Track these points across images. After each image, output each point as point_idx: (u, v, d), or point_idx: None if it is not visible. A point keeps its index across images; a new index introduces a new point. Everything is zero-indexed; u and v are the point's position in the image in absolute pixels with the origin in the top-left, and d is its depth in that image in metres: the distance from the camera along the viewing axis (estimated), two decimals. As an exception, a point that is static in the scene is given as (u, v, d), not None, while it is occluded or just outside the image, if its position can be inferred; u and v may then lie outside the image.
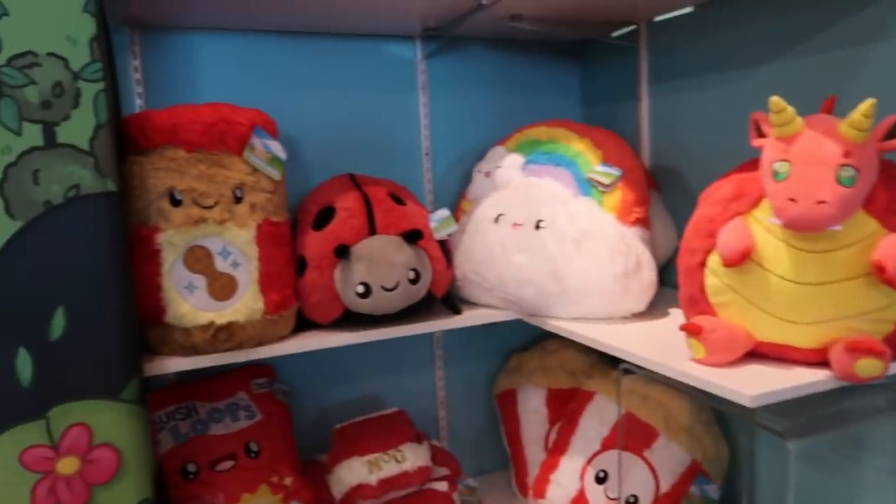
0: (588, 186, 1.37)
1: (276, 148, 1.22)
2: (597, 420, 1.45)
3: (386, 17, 1.49)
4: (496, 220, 1.42)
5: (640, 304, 1.32)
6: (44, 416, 0.98)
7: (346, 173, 1.50)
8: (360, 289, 1.26)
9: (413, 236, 1.31)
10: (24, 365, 0.97)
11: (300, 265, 1.31)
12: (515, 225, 1.39)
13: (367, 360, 1.70)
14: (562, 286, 1.32)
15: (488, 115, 1.79)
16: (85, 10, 0.97)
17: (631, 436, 1.39)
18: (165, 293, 1.15)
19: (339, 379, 1.68)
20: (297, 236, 1.35)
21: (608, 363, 1.65)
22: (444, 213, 1.40)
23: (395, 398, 1.74)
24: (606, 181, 1.35)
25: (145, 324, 1.18)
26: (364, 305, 1.28)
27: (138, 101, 1.43)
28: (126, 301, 1.05)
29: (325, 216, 1.34)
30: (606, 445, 1.41)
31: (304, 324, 1.33)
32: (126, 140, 1.16)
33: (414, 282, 1.30)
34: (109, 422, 1.02)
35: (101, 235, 1.00)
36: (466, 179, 1.69)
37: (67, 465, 1.00)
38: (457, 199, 1.67)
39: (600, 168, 1.38)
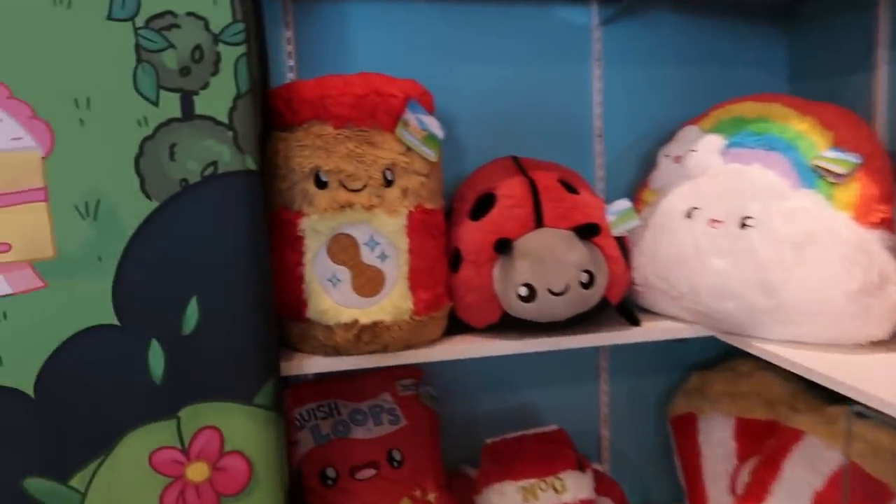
0: (813, 176, 1.08)
1: (433, 124, 1.06)
2: (807, 467, 1.17)
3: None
4: (689, 214, 1.17)
5: (882, 330, 1.03)
6: (174, 416, 0.89)
7: (508, 156, 1.31)
8: (523, 291, 1.07)
9: (587, 231, 1.10)
10: (157, 359, 0.88)
11: (454, 260, 1.14)
12: (714, 222, 1.14)
13: (523, 366, 1.51)
14: (774, 301, 1.05)
15: (674, 90, 1.52)
16: (228, -37, 0.85)
17: (856, 494, 1.09)
18: (307, 285, 1.03)
19: (491, 385, 1.51)
20: (452, 226, 1.18)
21: (818, 395, 1.34)
22: (623, 204, 1.17)
23: (552, 411, 1.54)
24: (840, 170, 1.06)
25: (285, 318, 1.07)
26: (526, 310, 1.09)
27: (290, 75, 1.33)
28: (265, 293, 0.93)
29: (484, 204, 1.16)
30: (820, 502, 1.13)
31: (455, 325, 1.17)
32: (272, 115, 1.05)
33: (586, 285, 1.09)
34: (242, 428, 0.91)
35: (239, 219, 0.89)
36: (646, 165, 1.44)
37: (197, 472, 0.91)
38: (634, 188, 1.43)
39: (831, 153, 1.09)
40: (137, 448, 0.88)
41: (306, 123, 1.02)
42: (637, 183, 1.45)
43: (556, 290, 1.07)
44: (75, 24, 0.83)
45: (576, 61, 1.47)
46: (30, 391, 0.85)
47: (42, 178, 0.84)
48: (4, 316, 0.84)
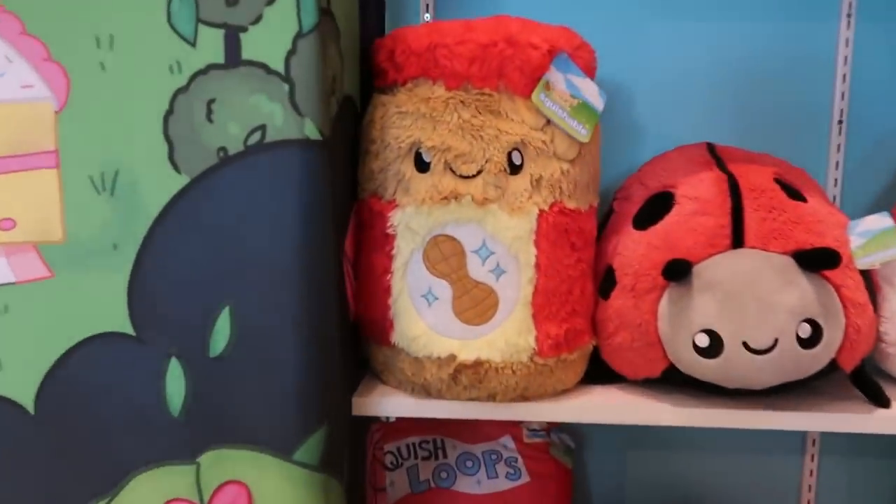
0: None
1: (589, 90, 0.74)
2: None
3: None
4: None
5: None
6: (193, 461, 0.67)
7: (700, 142, 0.94)
8: (703, 340, 0.72)
9: (817, 260, 0.72)
10: (176, 384, 0.66)
11: (606, 282, 0.82)
12: None
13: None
14: None
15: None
16: None
17: None
18: (395, 300, 0.76)
19: (646, 441, 1.15)
20: (607, 235, 0.85)
21: None
22: (880, 221, 0.77)
23: (729, 489, 1.14)
24: None
25: (367, 340, 0.82)
26: (706, 369, 0.73)
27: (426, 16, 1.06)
28: (324, 311, 0.68)
29: (657, 207, 0.82)
30: None
31: (597, 367, 0.84)
32: (374, 73, 0.79)
33: (808, 342, 0.71)
34: (275, 489, 0.67)
35: (293, 205, 0.64)
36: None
37: (220, 538, 0.69)
38: (889, 199, 1.00)
39: None
40: (148, 495, 0.68)
41: (411, 82, 0.74)
42: (888, 203, 1.01)
43: (757, 345, 0.70)
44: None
45: (811, 16, 1.05)
46: (30, 406, 0.68)
47: (54, 139, 0.65)
48: (6, 309, 0.67)
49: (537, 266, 0.73)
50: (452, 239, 0.72)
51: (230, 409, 0.66)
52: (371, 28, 0.85)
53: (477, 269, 0.72)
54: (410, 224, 0.74)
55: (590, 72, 0.78)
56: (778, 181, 0.80)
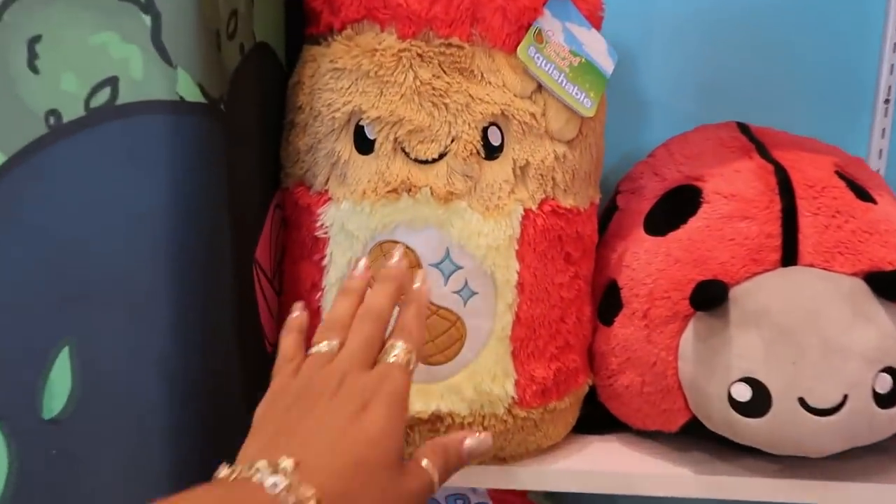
0: None
1: (596, 46, 0.54)
2: None
3: None
4: None
5: None
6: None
7: (730, 122, 0.75)
8: (743, 392, 0.53)
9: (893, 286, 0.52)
10: (-5, 460, 0.45)
11: (607, 301, 0.62)
12: None
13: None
14: None
15: None
16: None
17: None
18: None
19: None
20: (609, 239, 0.66)
21: None
22: (974, 232, 0.57)
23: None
24: None
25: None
26: (746, 429, 0.54)
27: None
28: (214, 344, 0.48)
29: (677, 206, 0.62)
30: None
31: (593, 407, 0.65)
32: (305, 14, 0.57)
33: (889, 400, 0.52)
34: None
35: (157, 198, 0.43)
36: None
37: None
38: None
39: None
40: None
41: (351, 28, 0.53)
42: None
43: (818, 403, 0.51)
44: None
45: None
46: None
47: None
48: None
49: (520, 286, 0.52)
50: (406, 247, 0.52)
51: (72, 492, 0.46)
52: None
53: (437, 290, 0.52)
54: (347, 225, 0.53)
55: (596, 20, 0.58)
56: (840, 175, 0.60)
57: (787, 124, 0.85)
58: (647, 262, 0.60)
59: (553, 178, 0.52)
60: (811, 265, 0.55)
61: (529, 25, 0.52)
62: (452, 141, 0.50)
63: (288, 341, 0.44)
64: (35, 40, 0.42)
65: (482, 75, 0.51)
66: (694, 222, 0.60)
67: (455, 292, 0.52)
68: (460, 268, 0.51)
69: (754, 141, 0.65)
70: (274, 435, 0.37)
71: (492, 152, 0.51)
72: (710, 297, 0.54)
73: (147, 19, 0.41)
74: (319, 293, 0.55)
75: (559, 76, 0.51)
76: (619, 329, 0.61)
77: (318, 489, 0.33)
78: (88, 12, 0.42)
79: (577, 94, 0.52)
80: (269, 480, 0.32)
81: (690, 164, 0.65)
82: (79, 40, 0.42)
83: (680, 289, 0.57)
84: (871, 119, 0.88)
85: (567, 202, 0.54)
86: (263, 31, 0.55)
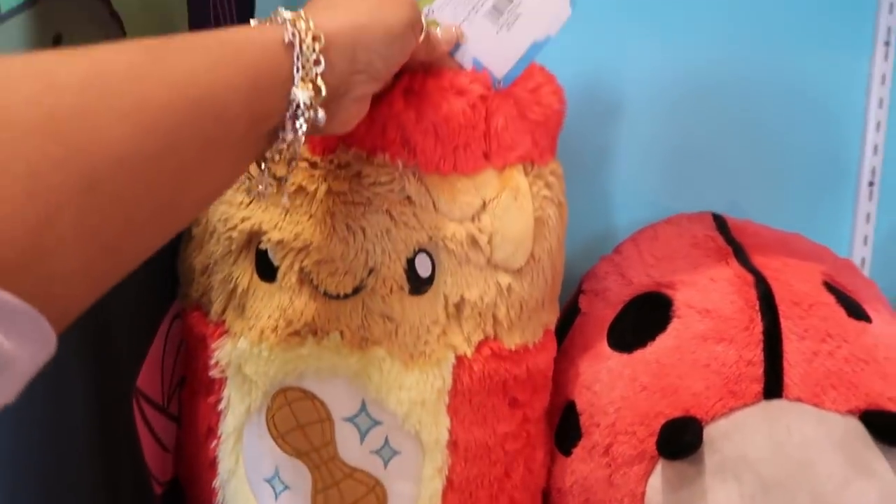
0: None
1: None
2: None
3: None
4: None
5: None
6: None
7: (705, 212, 0.68)
8: (722, 563, 0.44)
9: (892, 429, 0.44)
10: None
11: (565, 425, 0.54)
12: None
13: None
14: None
15: None
16: None
17: None
18: (224, 482, 0.46)
19: None
20: (568, 348, 0.58)
21: None
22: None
23: None
24: None
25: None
26: None
27: None
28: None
29: (645, 316, 0.54)
30: None
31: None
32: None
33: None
34: None
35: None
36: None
37: None
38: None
39: None
40: None
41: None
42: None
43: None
44: None
45: (843, 43, 0.79)
46: None
47: None
48: None
49: (452, 446, 0.43)
50: (312, 397, 0.43)
51: None
52: (222, 14, 0.56)
53: (352, 448, 0.43)
54: (245, 368, 0.43)
55: (552, 126, 0.50)
56: (830, 287, 0.53)
57: (768, 209, 0.79)
58: (609, 386, 0.52)
59: (495, 316, 0.43)
60: (799, 400, 0.47)
61: (466, 145, 0.44)
62: (370, 273, 0.41)
63: None
64: None
65: (403, 189, 0.43)
66: (663, 340, 0.52)
67: (374, 452, 0.43)
68: (379, 423, 0.42)
69: (732, 242, 0.58)
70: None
71: (419, 286, 0.42)
72: (682, 444, 0.46)
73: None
74: (215, 441, 0.46)
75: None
76: (577, 463, 0.52)
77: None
78: None
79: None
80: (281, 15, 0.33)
81: (660, 268, 0.58)
82: None
83: (646, 423, 0.49)
84: (855, 203, 0.82)
85: (512, 342, 0.45)
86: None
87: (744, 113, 0.80)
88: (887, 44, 0.80)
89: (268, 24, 0.33)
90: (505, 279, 0.43)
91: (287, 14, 0.33)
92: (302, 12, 0.34)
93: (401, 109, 0.41)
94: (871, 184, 0.82)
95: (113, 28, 0.39)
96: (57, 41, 0.35)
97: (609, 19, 0.77)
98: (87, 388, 0.40)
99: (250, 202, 0.43)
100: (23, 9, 0.32)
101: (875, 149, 0.82)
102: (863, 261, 0.83)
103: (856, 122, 0.81)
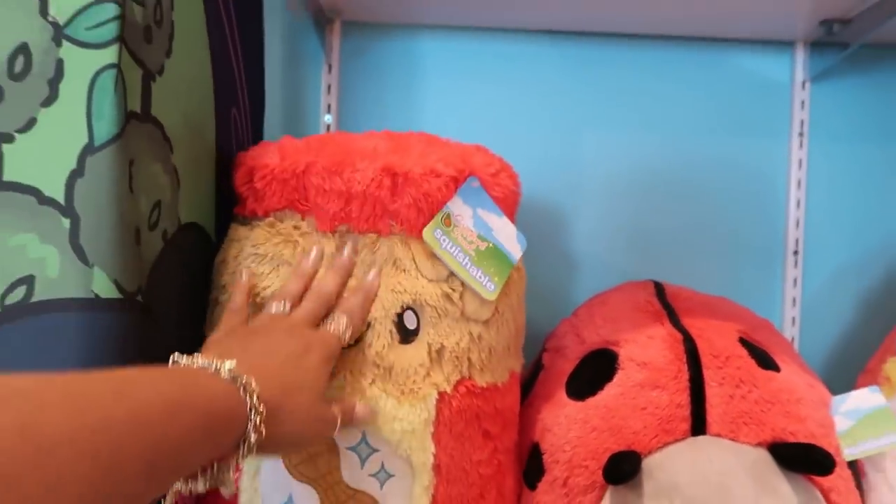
0: None
1: (505, 231, 0.57)
2: None
3: (751, 7, 0.79)
4: None
5: None
6: None
7: (646, 280, 0.79)
8: (658, 570, 0.53)
9: (804, 461, 0.54)
10: None
11: (532, 465, 0.63)
12: None
13: None
14: None
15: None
16: None
17: None
18: (244, 509, 0.54)
19: None
20: (533, 399, 0.67)
21: None
22: (870, 398, 0.61)
23: None
24: None
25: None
26: None
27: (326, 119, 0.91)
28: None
29: (596, 370, 0.64)
30: None
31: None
32: (234, 198, 0.60)
33: (796, 578, 0.52)
34: None
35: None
36: (871, 314, 0.89)
37: None
38: (858, 351, 0.86)
39: None
40: None
41: (273, 216, 0.56)
42: (851, 343, 0.88)
43: (729, 583, 0.51)
44: None
45: (762, 133, 0.94)
46: None
47: None
48: None
49: (436, 468, 0.53)
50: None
51: None
52: (238, 134, 0.68)
53: (354, 473, 0.52)
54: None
55: (510, 204, 0.62)
56: (744, 342, 0.63)
57: (708, 276, 0.92)
58: (567, 428, 0.62)
59: (469, 359, 0.54)
60: (718, 435, 0.57)
61: (440, 211, 0.55)
62: (368, 327, 0.52)
63: (238, 296, 0.52)
64: (-44, 243, 0.43)
65: (398, 262, 0.54)
66: (610, 389, 0.62)
67: (372, 475, 0.52)
68: (376, 451, 0.52)
69: (667, 307, 0.69)
70: (226, 350, 0.44)
71: (407, 336, 0.53)
72: (622, 472, 0.55)
73: (66, 222, 0.43)
74: (238, 474, 0.54)
75: (464, 259, 0.54)
76: (541, 496, 0.61)
77: (261, 392, 0.40)
78: (9, 215, 0.43)
79: (480, 277, 0.55)
80: (225, 367, 0.39)
81: (608, 328, 0.68)
82: (-2, 240, 0.43)
83: (597, 458, 0.58)
84: (783, 270, 0.94)
85: (483, 381, 0.55)
86: (190, 211, 0.57)
87: (685, 193, 0.93)
88: (801, 135, 0.94)
89: (212, 369, 0.39)
90: (476, 329, 0.54)
91: (227, 365, 0.39)
92: (241, 374, 0.40)
93: (389, 190, 0.53)
94: (795, 253, 0.94)
95: (166, 148, 0.50)
96: (132, 164, 0.45)
97: (572, 116, 0.91)
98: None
99: (270, 272, 0.53)
100: (113, 141, 0.43)
101: (797, 223, 0.94)
102: (793, 319, 0.94)
103: (780, 201, 0.94)
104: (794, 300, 0.94)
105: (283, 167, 0.55)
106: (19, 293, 0.43)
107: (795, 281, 0.94)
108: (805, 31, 0.91)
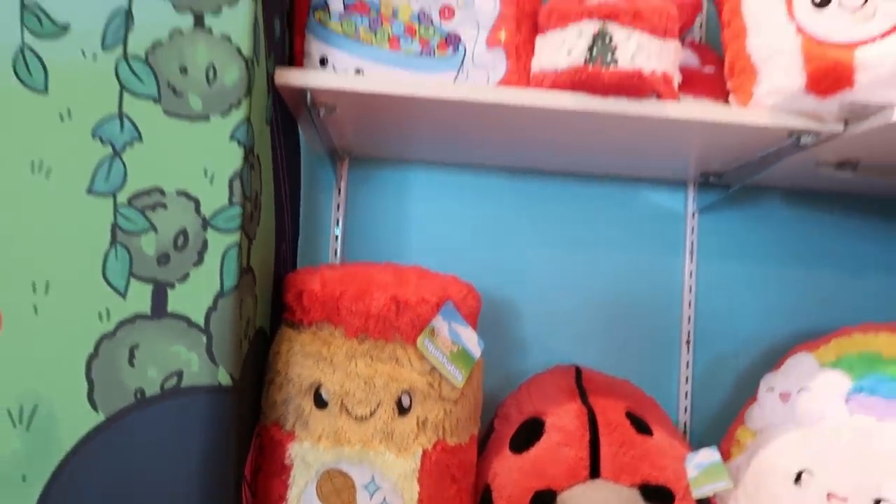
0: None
1: (470, 338, 0.85)
2: None
3: (655, 157, 1.10)
4: (797, 479, 0.89)
5: None
6: None
7: (571, 364, 1.08)
8: (564, 570, 0.81)
9: (656, 494, 0.83)
10: None
11: (485, 501, 0.90)
12: (834, 497, 0.85)
13: None
14: None
15: (786, 298, 1.26)
16: (232, 138, 0.72)
17: None
18: (286, 531, 0.81)
19: None
20: (487, 453, 0.95)
21: None
22: (710, 455, 0.91)
23: None
24: None
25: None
26: None
27: (334, 246, 1.19)
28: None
29: (530, 432, 0.93)
30: None
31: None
32: (283, 307, 0.88)
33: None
34: None
35: (200, 447, 0.70)
36: (744, 388, 1.18)
37: None
38: (727, 419, 1.16)
39: None
40: None
41: (315, 325, 0.84)
42: (730, 412, 1.18)
43: (609, 577, 0.80)
44: (50, 197, 0.71)
45: (663, 252, 1.26)
46: None
47: (-24, 372, 0.69)
48: None
49: (420, 502, 0.80)
50: (344, 474, 0.80)
51: None
52: (285, 258, 0.96)
53: (364, 502, 0.79)
54: (307, 458, 0.80)
55: (474, 315, 0.91)
56: (629, 415, 0.93)
57: (622, 359, 1.21)
58: (509, 474, 0.90)
59: (443, 427, 0.82)
60: (607, 479, 0.86)
61: (426, 326, 0.84)
62: (378, 405, 0.80)
63: None
64: (135, 347, 0.71)
65: (398, 360, 0.82)
66: (538, 446, 0.90)
67: (377, 505, 0.80)
68: (380, 488, 0.79)
69: (580, 388, 0.98)
70: None
71: (404, 411, 0.81)
72: (544, 502, 0.83)
73: (204, 338, 0.71)
74: (284, 502, 0.81)
75: (443, 359, 0.83)
76: (491, 523, 0.89)
77: None
78: (170, 333, 0.71)
79: (453, 371, 0.83)
80: None
81: (539, 403, 0.97)
82: (161, 349, 0.71)
83: (528, 494, 0.86)
84: (679, 355, 1.24)
85: (452, 441, 0.83)
86: (259, 320, 0.85)
87: (605, 295, 1.23)
88: (691, 252, 1.25)
89: None
90: (448, 406, 0.82)
91: None
92: None
93: (394, 313, 0.81)
94: (687, 342, 1.24)
95: (253, 284, 0.78)
96: (241, 302, 0.73)
97: (520, 233, 1.21)
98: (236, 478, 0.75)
99: (311, 364, 0.81)
100: (233, 290, 0.71)
101: (689, 319, 1.25)
102: (686, 393, 1.24)
103: (676, 302, 1.25)
104: (686, 379, 1.24)
105: (324, 292, 0.83)
106: (173, 381, 0.70)
107: (688, 364, 1.25)
108: (693, 176, 1.23)
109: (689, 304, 1.25)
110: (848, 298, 1.26)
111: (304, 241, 1.17)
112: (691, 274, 1.25)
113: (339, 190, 1.20)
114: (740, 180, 1.14)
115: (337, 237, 1.19)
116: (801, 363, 1.03)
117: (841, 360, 0.99)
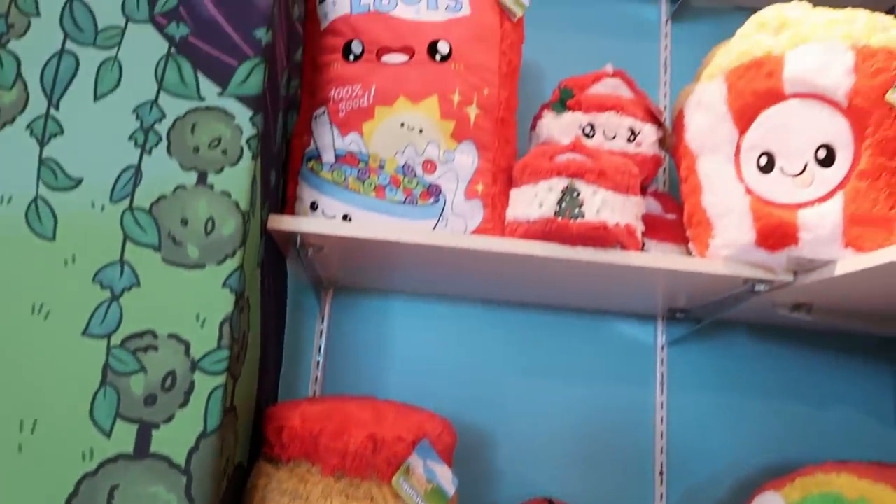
0: None
1: (444, 476, 0.88)
2: None
3: (623, 296, 1.16)
4: None
5: None
6: None
7: (544, 497, 1.10)
8: None
9: None
10: None
11: None
12: None
13: None
14: None
15: (756, 429, 1.29)
16: (225, 285, 0.77)
17: None
18: None
19: None
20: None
21: None
22: None
23: None
24: None
25: None
26: None
27: (316, 373, 1.22)
28: None
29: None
30: None
31: None
32: (263, 437, 0.90)
33: None
34: None
35: None
36: (717, 523, 1.19)
37: None
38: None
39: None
40: None
41: (293, 462, 0.86)
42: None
43: None
44: (46, 337, 0.75)
45: (637, 382, 1.30)
46: None
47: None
48: None
49: None
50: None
51: None
52: (267, 388, 0.99)
53: None
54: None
55: (449, 451, 0.93)
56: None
57: (596, 490, 1.22)
58: None
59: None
60: None
61: (402, 464, 0.86)
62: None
63: None
64: (115, 487, 0.72)
65: (372, 499, 0.84)
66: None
67: None
68: None
69: (552, 522, 1.00)
70: None
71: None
72: None
73: (184, 479, 0.73)
74: None
75: (417, 498, 0.85)
76: None
77: None
78: (150, 473, 0.73)
79: (427, 511, 0.85)
80: None
81: (512, 539, 0.98)
82: (140, 490, 0.72)
83: None
84: (653, 486, 1.26)
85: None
86: (240, 456, 0.87)
87: (578, 425, 1.26)
88: (662, 384, 1.29)
89: None
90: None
91: None
92: None
93: (371, 451, 0.84)
94: (661, 474, 1.26)
95: (235, 421, 0.81)
96: (223, 441, 0.75)
97: (497, 362, 1.25)
98: None
99: (288, 502, 0.83)
100: (217, 430, 0.74)
101: (661, 450, 1.27)
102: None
103: (648, 434, 1.28)
104: (661, 509, 1.25)
105: (304, 429, 0.86)
106: (149, 524, 0.72)
107: (662, 495, 1.26)
108: (662, 311, 1.29)
109: (661, 436, 1.28)
110: (814, 430, 1.30)
111: (287, 365, 1.20)
112: (662, 405, 1.29)
113: (323, 318, 1.25)
114: (707, 316, 1.20)
115: (318, 363, 1.22)
116: (768, 502, 1.06)
117: (805, 500, 1.02)
